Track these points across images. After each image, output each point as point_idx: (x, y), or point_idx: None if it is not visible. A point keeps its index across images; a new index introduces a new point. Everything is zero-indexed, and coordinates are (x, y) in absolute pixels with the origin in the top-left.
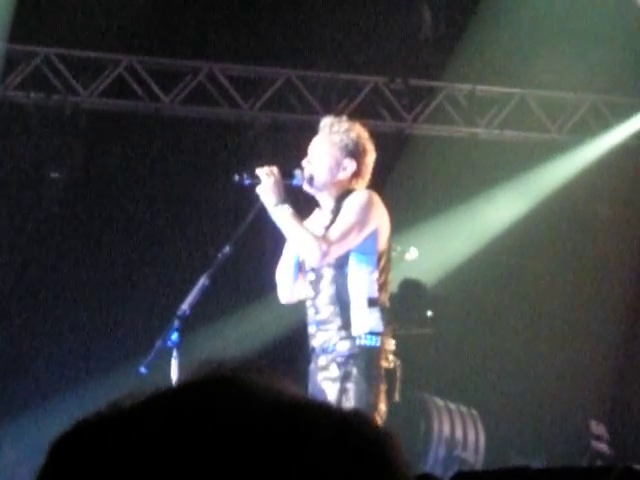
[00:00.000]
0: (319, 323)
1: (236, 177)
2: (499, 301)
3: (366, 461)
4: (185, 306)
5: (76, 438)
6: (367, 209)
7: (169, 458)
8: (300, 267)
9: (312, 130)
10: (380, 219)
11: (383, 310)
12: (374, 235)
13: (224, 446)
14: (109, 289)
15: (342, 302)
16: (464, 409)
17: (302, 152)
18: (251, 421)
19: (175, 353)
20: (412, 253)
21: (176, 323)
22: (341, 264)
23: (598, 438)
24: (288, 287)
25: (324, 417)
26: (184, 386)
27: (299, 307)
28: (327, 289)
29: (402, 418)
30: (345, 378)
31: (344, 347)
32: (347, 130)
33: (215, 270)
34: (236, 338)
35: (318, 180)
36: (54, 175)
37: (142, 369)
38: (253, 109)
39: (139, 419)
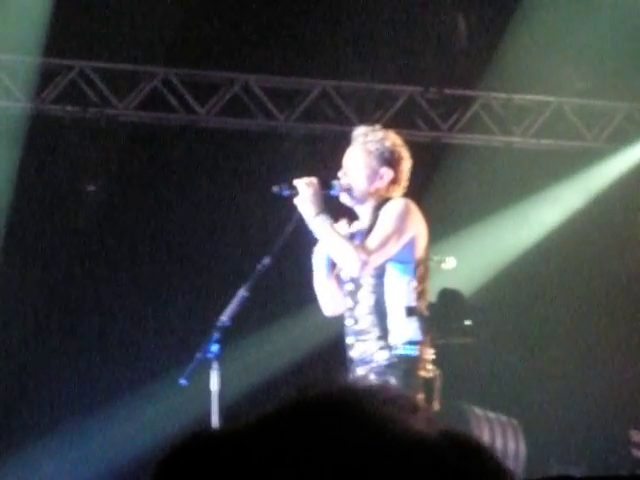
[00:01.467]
0: (358, 333)
1: (275, 188)
2: (537, 310)
3: None
4: (224, 317)
5: (191, 454)
6: (404, 217)
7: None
8: (338, 279)
9: (347, 141)
10: (417, 227)
11: (422, 319)
12: (412, 243)
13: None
14: (147, 301)
15: (380, 311)
16: (504, 418)
17: (338, 163)
18: (376, 454)
19: (215, 364)
20: (450, 262)
21: (215, 334)
22: (379, 273)
23: (639, 446)
24: (328, 299)
25: (444, 453)
26: (301, 407)
27: (339, 318)
28: (366, 299)
29: None
30: None
31: (382, 357)
32: (382, 139)
33: (254, 281)
34: (275, 349)
35: (356, 190)
36: (90, 188)
37: (182, 381)
38: (288, 120)
39: (260, 437)
